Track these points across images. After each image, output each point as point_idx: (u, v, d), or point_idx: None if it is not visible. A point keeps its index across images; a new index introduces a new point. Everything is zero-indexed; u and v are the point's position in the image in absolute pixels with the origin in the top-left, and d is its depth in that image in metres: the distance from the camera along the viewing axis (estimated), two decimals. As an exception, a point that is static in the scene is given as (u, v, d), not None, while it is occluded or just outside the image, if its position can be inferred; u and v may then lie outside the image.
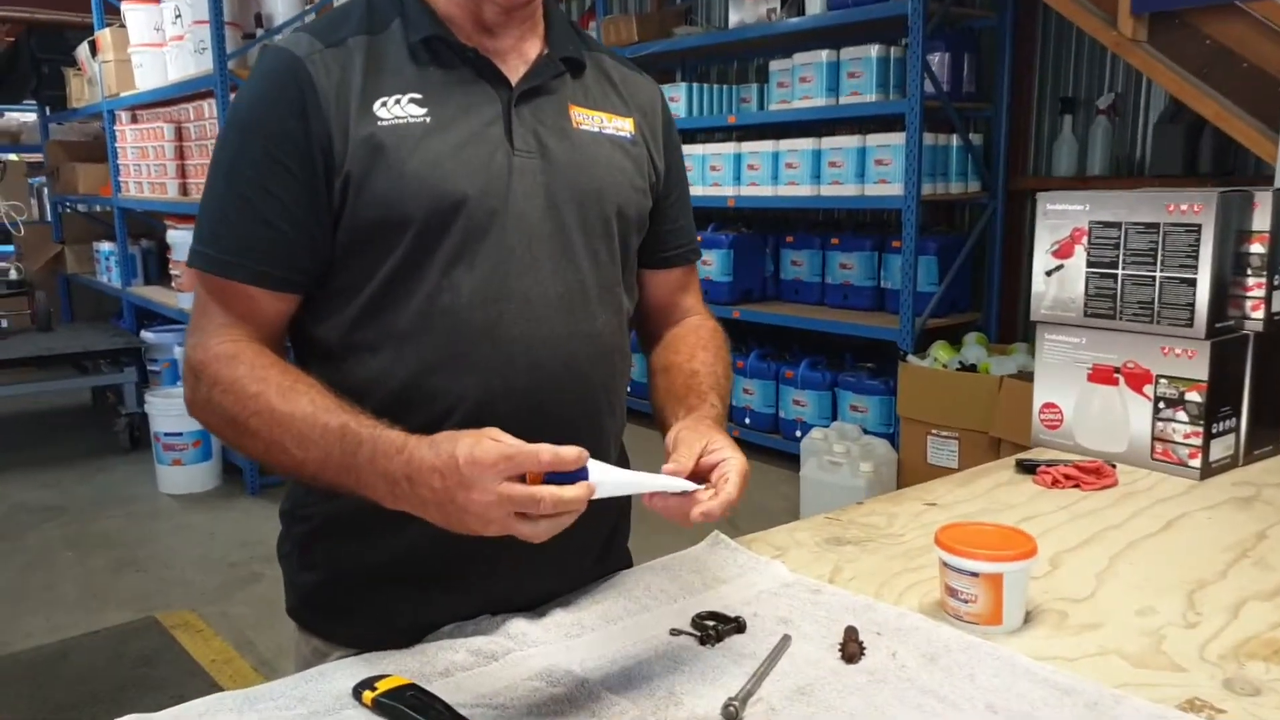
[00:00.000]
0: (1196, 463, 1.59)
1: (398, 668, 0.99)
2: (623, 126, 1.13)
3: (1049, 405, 1.78)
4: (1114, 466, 1.61)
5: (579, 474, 0.84)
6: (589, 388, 1.09)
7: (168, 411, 4.44)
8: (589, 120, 1.10)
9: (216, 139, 1.04)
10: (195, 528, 4.02)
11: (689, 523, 0.93)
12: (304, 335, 1.07)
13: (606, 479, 0.87)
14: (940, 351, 3.79)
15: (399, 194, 0.98)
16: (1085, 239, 1.69)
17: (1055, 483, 1.57)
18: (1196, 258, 1.55)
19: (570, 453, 0.82)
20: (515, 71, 1.07)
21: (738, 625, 1.07)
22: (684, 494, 0.94)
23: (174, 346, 5.28)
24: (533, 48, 1.09)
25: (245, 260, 0.99)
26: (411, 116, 1.00)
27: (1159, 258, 1.60)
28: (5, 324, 5.60)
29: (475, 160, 1.02)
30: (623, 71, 1.19)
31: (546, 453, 0.81)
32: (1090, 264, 1.69)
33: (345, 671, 0.98)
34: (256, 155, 0.98)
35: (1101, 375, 1.70)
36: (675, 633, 1.07)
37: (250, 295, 1.00)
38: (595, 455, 1.13)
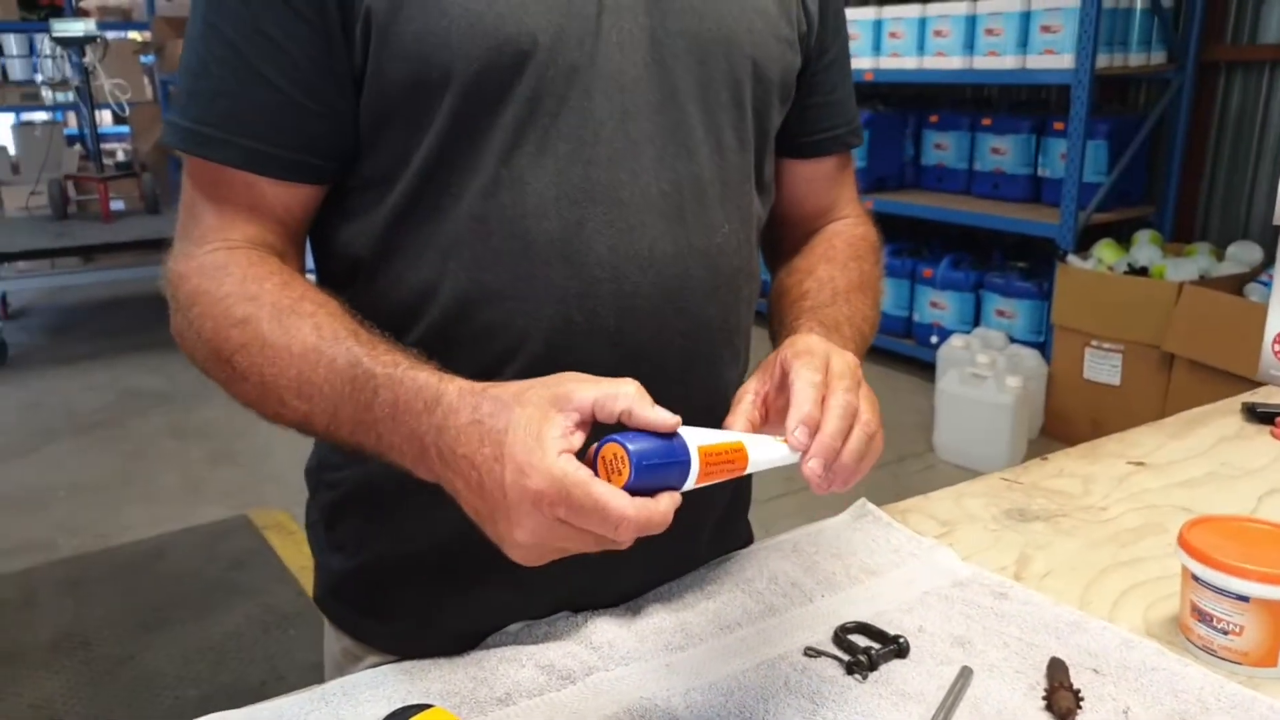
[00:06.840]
0: None
1: (444, 687, 0.76)
2: None
3: (1288, 333, 1.39)
4: (1384, 419, 1.24)
5: (673, 444, 0.60)
6: (703, 325, 0.79)
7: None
8: None
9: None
10: (296, 420, 3.96)
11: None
12: (326, 245, 0.80)
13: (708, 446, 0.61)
14: (1106, 251, 3.34)
15: (438, 40, 0.69)
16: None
17: (1305, 439, 1.21)
18: None
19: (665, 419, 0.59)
20: None
21: (898, 648, 0.80)
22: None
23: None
24: None
25: (236, 134, 0.71)
26: None
27: None
28: (123, 205, 5.62)
29: None
30: None
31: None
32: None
33: (376, 691, 0.76)
34: None
35: (1370, 297, 1.31)
36: (812, 653, 0.80)
37: (249, 184, 0.73)
38: (712, 418, 0.84)
